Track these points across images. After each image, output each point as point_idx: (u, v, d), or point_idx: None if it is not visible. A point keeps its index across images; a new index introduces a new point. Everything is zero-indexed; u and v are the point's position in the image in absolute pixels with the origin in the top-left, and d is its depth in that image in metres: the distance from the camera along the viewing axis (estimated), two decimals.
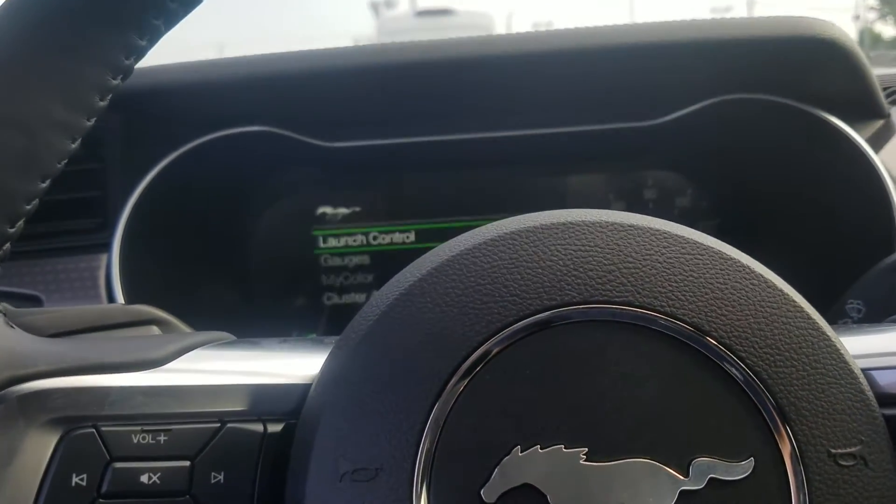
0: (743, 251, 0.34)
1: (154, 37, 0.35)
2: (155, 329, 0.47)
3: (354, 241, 0.82)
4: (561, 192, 0.83)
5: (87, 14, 0.32)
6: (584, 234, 0.33)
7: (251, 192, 0.79)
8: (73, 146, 0.34)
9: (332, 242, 0.82)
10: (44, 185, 0.33)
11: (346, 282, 0.83)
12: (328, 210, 0.82)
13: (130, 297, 0.63)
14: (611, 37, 0.66)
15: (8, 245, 0.33)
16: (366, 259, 0.82)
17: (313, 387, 0.35)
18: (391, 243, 0.82)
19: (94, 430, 0.32)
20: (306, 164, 0.77)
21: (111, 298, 0.63)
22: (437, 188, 0.82)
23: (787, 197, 0.78)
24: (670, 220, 0.80)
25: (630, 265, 0.32)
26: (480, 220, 0.81)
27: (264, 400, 0.35)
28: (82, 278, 0.63)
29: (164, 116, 0.67)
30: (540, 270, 0.32)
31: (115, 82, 0.34)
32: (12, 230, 0.33)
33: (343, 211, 0.82)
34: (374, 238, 0.82)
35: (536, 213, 0.35)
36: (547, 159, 0.80)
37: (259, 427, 0.35)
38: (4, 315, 0.34)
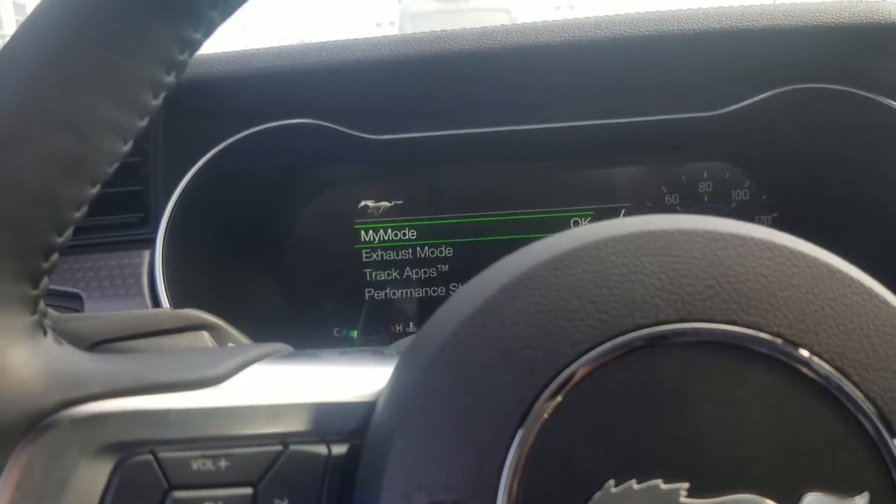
0: None
1: (209, 29, 0.32)
2: (205, 335, 0.45)
3: (396, 235, 0.80)
4: (610, 185, 0.80)
5: (139, 6, 0.29)
6: (680, 243, 0.30)
7: (293, 186, 0.77)
8: (125, 148, 0.31)
9: (374, 236, 0.80)
10: (94, 190, 0.31)
11: (388, 277, 0.80)
12: (370, 203, 0.79)
13: (173, 295, 0.61)
14: (669, 23, 0.62)
15: (56, 255, 0.31)
16: (408, 253, 0.80)
17: (379, 405, 0.33)
18: (435, 237, 0.79)
19: (151, 457, 0.30)
20: (349, 158, 0.75)
21: (154, 296, 0.61)
22: (482, 181, 0.79)
23: (851, 191, 0.74)
24: (727, 214, 0.77)
25: (732, 279, 0.29)
26: (527, 214, 0.78)
27: (327, 419, 0.33)
28: (124, 275, 0.62)
29: (207, 109, 0.65)
30: (631, 284, 0.29)
31: (169, 79, 0.31)
32: (60, 239, 0.30)
33: (385, 204, 0.79)
34: (417, 232, 0.80)
35: (623, 219, 0.32)
36: (596, 151, 0.77)
37: (323, 449, 0.32)
38: (53, 330, 0.32)
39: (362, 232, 0.80)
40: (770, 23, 0.62)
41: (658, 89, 0.69)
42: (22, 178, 0.28)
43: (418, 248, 0.80)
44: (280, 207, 0.77)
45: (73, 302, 0.61)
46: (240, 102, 0.66)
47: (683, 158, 0.79)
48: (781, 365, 0.29)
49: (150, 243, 0.63)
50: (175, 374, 0.32)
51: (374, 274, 0.80)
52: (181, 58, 0.31)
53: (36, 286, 0.30)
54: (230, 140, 0.65)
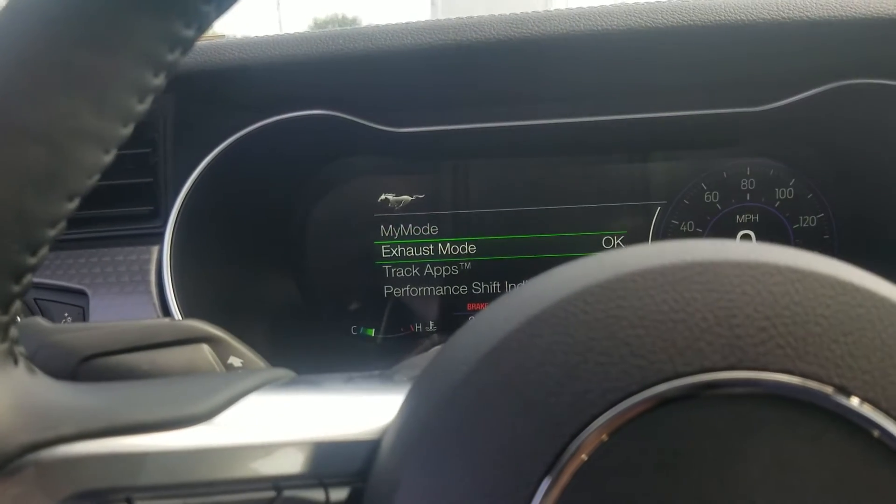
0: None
1: (203, 24, 0.29)
2: (205, 348, 0.42)
3: (417, 230, 0.76)
4: (645, 181, 0.75)
5: (127, 2, 0.26)
6: (729, 276, 0.26)
7: (310, 180, 0.74)
8: (107, 158, 0.28)
9: (394, 231, 0.77)
10: (71, 204, 0.28)
11: (408, 274, 0.77)
12: (391, 197, 0.76)
13: (182, 294, 0.58)
14: (716, 13, 0.57)
15: (30, 276, 0.28)
16: (429, 250, 0.77)
17: (385, 445, 0.30)
18: (457, 234, 0.76)
19: None
20: (368, 150, 0.71)
21: (161, 294, 0.58)
22: (509, 175, 0.76)
23: None
24: (770, 213, 0.72)
25: (788, 320, 0.25)
26: (556, 211, 0.74)
27: (326, 460, 0.30)
28: (131, 271, 0.59)
29: (219, 99, 0.62)
30: (672, 325, 0.26)
31: (157, 81, 0.28)
32: (34, 260, 0.27)
33: (406, 199, 0.76)
34: (439, 227, 0.76)
35: (664, 245, 0.28)
36: (631, 146, 0.73)
37: (320, 494, 0.29)
38: (26, 358, 0.29)
39: (382, 227, 0.77)
40: (823, 14, 0.57)
41: (701, 83, 0.64)
42: None
43: (440, 245, 0.76)
44: (296, 201, 0.74)
45: (77, 298, 0.59)
46: (256, 91, 0.63)
47: (725, 154, 0.74)
48: (844, 422, 0.25)
49: (159, 238, 0.60)
50: (158, 411, 0.29)
51: (393, 270, 0.77)
52: (171, 57, 0.28)
53: (6, 311, 0.27)
54: (244, 131, 0.62)
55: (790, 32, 0.58)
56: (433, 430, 0.27)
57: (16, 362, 0.28)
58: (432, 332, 0.78)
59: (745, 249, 0.27)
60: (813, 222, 0.75)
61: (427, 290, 0.77)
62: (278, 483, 0.29)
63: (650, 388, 0.25)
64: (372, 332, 0.78)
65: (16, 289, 0.27)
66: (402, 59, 0.58)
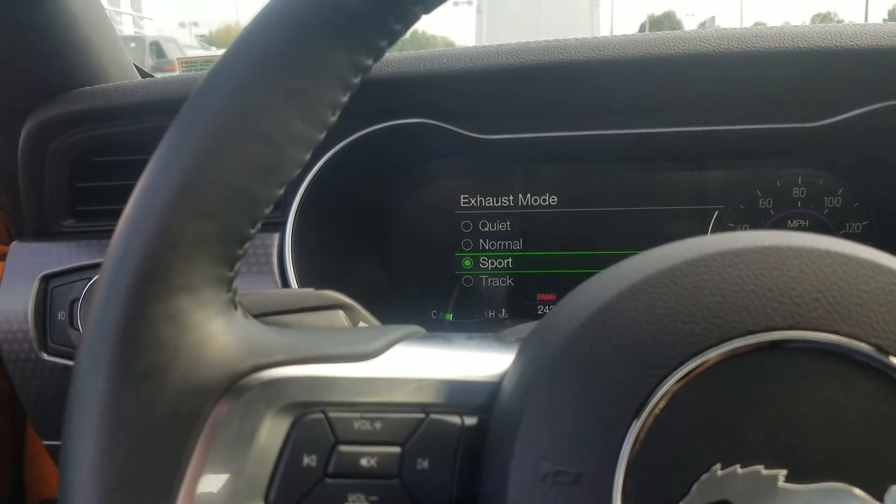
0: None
1: (378, 55, 0.37)
2: (341, 314, 0.50)
3: (494, 227, 0.84)
4: (704, 187, 0.82)
5: (328, 39, 0.35)
6: (791, 258, 0.34)
7: (401, 179, 0.83)
8: (307, 157, 0.37)
9: (473, 227, 0.84)
10: (280, 191, 0.37)
11: (484, 265, 0.85)
12: (471, 196, 0.84)
13: (300, 275, 0.67)
14: (777, 40, 0.65)
15: (248, 244, 0.37)
16: (503, 245, 0.84)
17: (506, 386, 0.38)
18: (532, 232, 0.84)
19: (322, 416, 0.36)
20: (455, 154, 0.79)
21: (283, 275, 0.68)
22: (582, 179, 0.83)
23: None
24: (819, 219, 0.78)
25: (836, 293, 0.33)
26: (620, 211, 0.82)
27: (460, 394, 0.38)
28: (257, 255, 0.68)
29: None
30: (744, 294, 0.33)
31: (344, 99, 0.37)
32: (253, 231, 0.36)
33: (485, 198, 0.84)
34: (515, 226, 0.84)
35: (737, 234, 0.36)
36: (694, 156, 0.80)
37: (457, 419, 0.37)
38: (241, 305, 0.38)
39: (462, 223, 0.85)
40: (873, 42, 0.64)
41: (759, 101, 0.71)
42: (229, 180, 0.34)
43: (513, 240, 0.84)
44: (389, 198, 0.83)
45: None
46: (367, 102, 0.72)
47: (779, 164, 0.81)
48: (876, 371, 0.32)
49: (280, 226, 0.69)
50: (340, 348, 0.38)
51: (471, 262, 0.85)
52: (355, 80, 0.37)
53: (231, 269, 0.36)
54: (355, 135, 0.71)
55: (842, 58, 0.65)
56: (551, 372, 0.35)
57: (236, 308, 0.37)
58: (504, 319, 0.86)
59: (804, 238, 0.35)
60: (858, 229, 0.81)
61: (501, 280, 0.85)
62: (426, 409, 0.37)
63: (726, 342, 0.33)
64: (450, 317, 0.86)
65: (239, 252, 0.36)
66: (499, 76, 0.67)
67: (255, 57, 0.35)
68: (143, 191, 0.35)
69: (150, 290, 0.33)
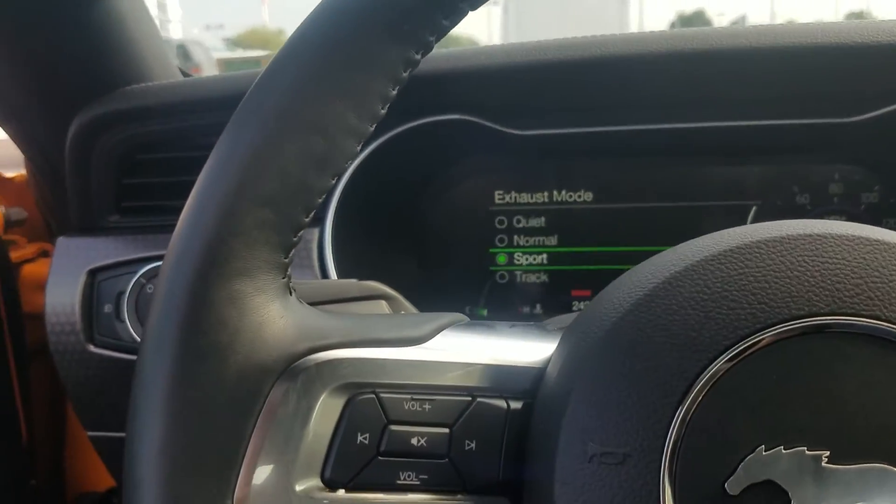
0: None
1: (427, 51, 0.39)
2: (384, 304, 0.52)
3: (529, 222, 0.85)
4: (741, 183, 0.82)
5: (382, 34, 0.36)
6: (833, 246, 0.35)
7: (437, 174, 0.84)
8: (358, 148, 0.38)
9: (508, 223, 0.85)
10: (332, 181, 0.38)
11: (518, 261, 0.86)
12: (507, 196, 0.85)
13: (339, 270, 0.69)
14: (816, 35, 0.65)
15: (302, 232, 0.38)
16: (537, 240, 0.85)
17: (551, 371, 0.39)
18: (567, 229, 0.84)
19: (374, 397, 0.37)
20: (491, 150, 0.80)
21: (322, 267, 0.69)
22: (617, 174, 0.84)
23: None
24: (856, 215, 0.78)
25: (877, 280, 0.34)
26: (657, 206, 0.82)
27: (506, 379, 0.39)
28: (297, 249, 0.70)
29: None
30: (788, 280, 0.34)
31: (393, 92, 0.38)
32: (307, 219, 0.38)
33: (519, 194, 0.85)
34: (550, 223, 0.85)
35: (781, 223, 0.37)
36: (731, 151, 0.80)
37: (503, 403, 0.39)
38: (296, 291, 0.39)
39: (496, 218, 0.86)
40: None
41: (795, 96, 0.72)
42: (286, 170, 0.36)
43: (547, 236, 0.85)
44: (424, 193, 0.84)
45: None
46: (405, 99, 0.73)
47: (816, 160, 0.81)
48: None
49: (320, 221, 0.71)
50: (391, 333, 0.39)
51: (505, 258, 0.86)
52: (404, 75, 0.38)
53: (287, 255, 0.38)
54: (393, 132, 0.72)
55: (879, 53, 0.65)
56: (597, 357, 0.36)
57: (291, 293, 0.39)
58: (539, 314, 0.86)
59: (845, 227, 0.36)
60: (895, 225, 0.81)
61: (535, 276, 0.86)
62: (473, 392, 0.39)
63: (771, 327, 0.34)
64: (484, 312, 0.87)
65: (294, 239, 0.38)
66: (537, 72, 0.68)
67: (311, 52, 0.36)
68: (205, 181, 0.36)
69: (212, 273, 0.34)
